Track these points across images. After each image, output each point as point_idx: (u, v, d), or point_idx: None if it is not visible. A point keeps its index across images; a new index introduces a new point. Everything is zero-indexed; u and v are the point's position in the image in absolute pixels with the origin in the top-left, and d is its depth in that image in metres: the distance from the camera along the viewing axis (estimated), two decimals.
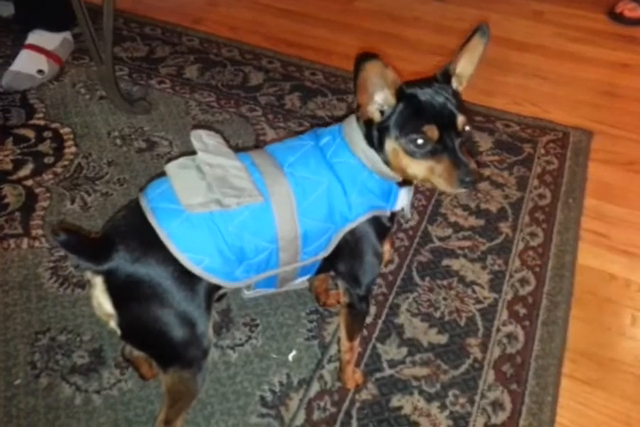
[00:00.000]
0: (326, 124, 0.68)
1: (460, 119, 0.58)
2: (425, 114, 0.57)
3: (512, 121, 1.32)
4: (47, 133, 1.27)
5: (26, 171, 1.18)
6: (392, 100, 0.58)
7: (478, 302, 0.95)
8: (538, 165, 1.20)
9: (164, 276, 0.56)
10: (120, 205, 1.10)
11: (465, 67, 0.61)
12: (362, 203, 0.62)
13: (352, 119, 0.63)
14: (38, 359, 0.85)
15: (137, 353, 0.75)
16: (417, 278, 0.98)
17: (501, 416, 0.81)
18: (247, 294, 0.68)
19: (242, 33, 1.62)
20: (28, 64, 1.37)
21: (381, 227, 0.65)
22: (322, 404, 0.81)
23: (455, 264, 1.01)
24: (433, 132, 0.56)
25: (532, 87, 1.42)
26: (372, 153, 0.61)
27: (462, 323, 0.92)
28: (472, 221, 1.09)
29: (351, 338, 0.76)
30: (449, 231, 1.07)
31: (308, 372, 0.85)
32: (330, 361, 0.86)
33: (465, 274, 0.99)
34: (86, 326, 0.89)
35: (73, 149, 1.23)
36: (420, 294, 0.96)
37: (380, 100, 0.58)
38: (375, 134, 0.60)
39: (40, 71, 1.37)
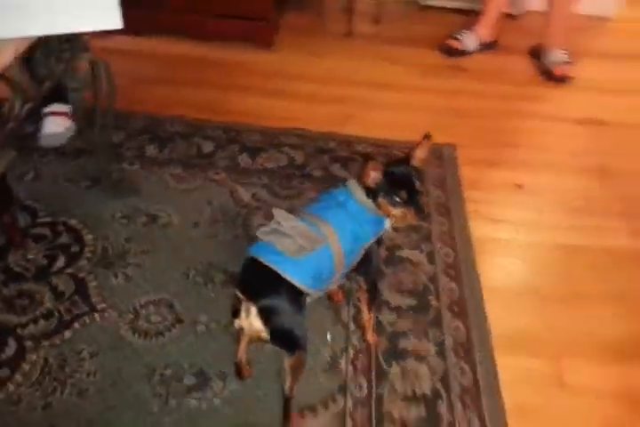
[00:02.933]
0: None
1: (417, 184, 1.05)
2: (399, 183, 1.03)
3: (393, 147, 1.81)
4: (60, 227, 1.53)
5: (60, 262, 1.44)
6: (380, 178, 1.03)
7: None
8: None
9: (289, 300, 0.96)
10: (154, 271, 1.43)
11: (419, 155, 1.07)
12: (370, 231, 1.07)
13: (356, 185, 1.06)
14: (159, 390, 1.19)
15: (246, 359, 1.15)
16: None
17: None
18: (313, 296, 1.07)
19: (175, 108, 1.96)
20: (55, 125, 1.74)
21: (379, 242, 1.13)
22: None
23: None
24: (403, 195, 1.03)
25: (399, 118, 1.96)
26: (371, 204, 1.05)
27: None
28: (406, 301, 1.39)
29: (369, 309, 1.23)
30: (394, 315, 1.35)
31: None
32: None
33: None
34: (182, 359, 1.23)
35: (90, 236, 1.51)
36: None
37: (376, 178, 1.03)
38: (372, 194, 1.04)
39: (67, 128, 1.75)
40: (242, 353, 1.17)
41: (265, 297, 0.96)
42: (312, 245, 0.98)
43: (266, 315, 0.96)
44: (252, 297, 0.95)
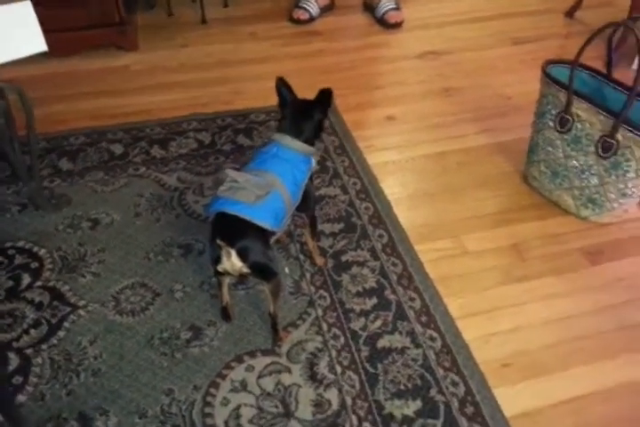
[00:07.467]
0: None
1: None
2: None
3: None
4: (10, 251, 1.62)
5: (26, 280, 1.53)
6: None
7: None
8: None
9: (259, 238, 1.20)
10: (117, 262, 1.59)
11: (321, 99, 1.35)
12: (304, 169, 1.32)
13: (281, 135, 1.32)
14: (163, 350, 1.39)
15: (231, 303, 1.40)
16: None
17: None
18: (277, 233, 1.32)
19: (69, 123, 2.04)
20: None
21: (310, 179, 1.37)
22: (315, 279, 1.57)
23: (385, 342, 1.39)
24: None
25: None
26: (300, 144, 1.31)
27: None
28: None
29: (313, 238, 1.51)
30: (362, 321, 1.44)
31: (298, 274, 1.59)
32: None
33: (397, 345, 1.38)
34: (173, 322, 1.42)
35: (43, 251, 1.62)
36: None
37: None
38: None
39: None
40: (225, 297, 1.41)
41: (239, 240, 1.18)
42: (265, 191, 1.21)
43: (243, 254, 1.19)
44: (229, 242, 1.18)
